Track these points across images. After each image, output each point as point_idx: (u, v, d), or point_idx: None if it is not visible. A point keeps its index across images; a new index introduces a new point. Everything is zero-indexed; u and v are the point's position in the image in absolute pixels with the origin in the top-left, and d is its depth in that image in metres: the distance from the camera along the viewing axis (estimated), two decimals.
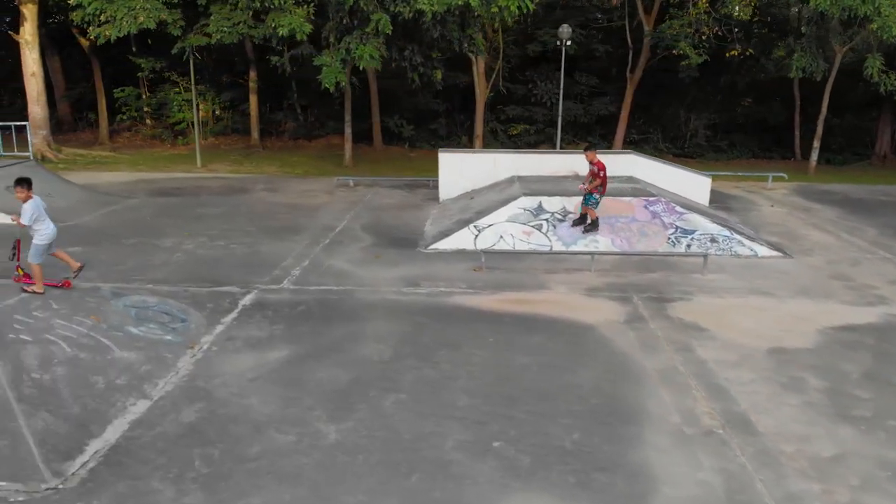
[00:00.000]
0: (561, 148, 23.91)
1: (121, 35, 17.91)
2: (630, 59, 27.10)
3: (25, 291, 8.08)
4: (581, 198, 12.63)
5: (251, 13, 17.71)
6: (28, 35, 22.43)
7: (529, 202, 13.20)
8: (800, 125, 28.58)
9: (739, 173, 21.72)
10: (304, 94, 29.76)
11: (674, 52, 23.98)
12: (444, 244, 12.38)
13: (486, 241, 12.41)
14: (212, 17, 18.36)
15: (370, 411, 6.49)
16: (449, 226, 13.41)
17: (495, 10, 16.67)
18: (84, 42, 27.49)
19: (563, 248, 12.28)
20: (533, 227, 12.70)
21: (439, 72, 19.98)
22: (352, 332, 8.38)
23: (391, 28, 16.13)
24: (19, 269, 8.94)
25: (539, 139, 29.37)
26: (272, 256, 11.70)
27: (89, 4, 18.05)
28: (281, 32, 15.72)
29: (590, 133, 29.63)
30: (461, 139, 29.38)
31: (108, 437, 5.95)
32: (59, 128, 30.45)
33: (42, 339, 6.94)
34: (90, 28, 18.62)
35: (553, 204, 13.19)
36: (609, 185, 14.97)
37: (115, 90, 28.37)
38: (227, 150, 27.03)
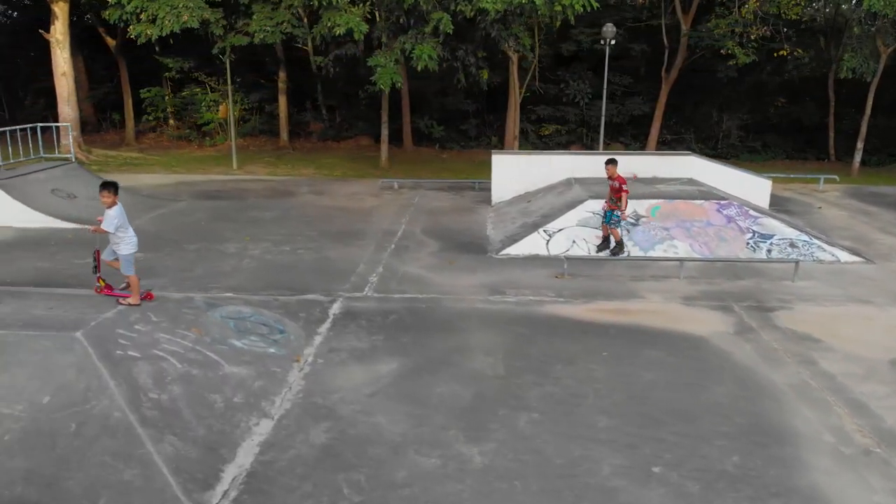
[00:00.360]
0: (600, 149, 23.51)
1: (162, 34, 17.53)
2: (666, 59, 26.72)
3: (121, 304, 7.71)
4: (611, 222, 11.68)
5: (294, 13, 17.31)
6: (59, 34, 22.07)
7: (598, 206, 12.82)
8: (833, 125, 28.23)
9: (791, 175, 21.32)
10: (330, 95, 29.42)
11: (722, 51, 23.56)
12: (516, 249, 12.01)
13: (559, 247, 12.03)
14: (254, 17, 17.98)
15: (508, 432, 6.11)
16: (515, 230, 13.03)
17: (558, 8, 16.29)
18: (111, 42, 27.17)
19: (642, 254, 11.91)
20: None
21: (486, 72, 19.57)
22: (455, 343, 8.01)
23: (452, 27, 15.74)
24: (101, 281, 8.56)
25: (570, 139, 29.03)
26: (343, 262, 11.34)
27: (129, 3, 17.67)
28: (337, 31, 15.33)
29: (621, 133, 29.29)
30: (490, 139, 29.02)
31: (241, 461, 5.58)
32: (83, 129, 30.08)
33: (150, 354, 6.56)
34: (131, 27, 18.22)
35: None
36: (673, 188, 14.64)
37: (141, 91, 27.99)
38: (257, 151, 26.66)
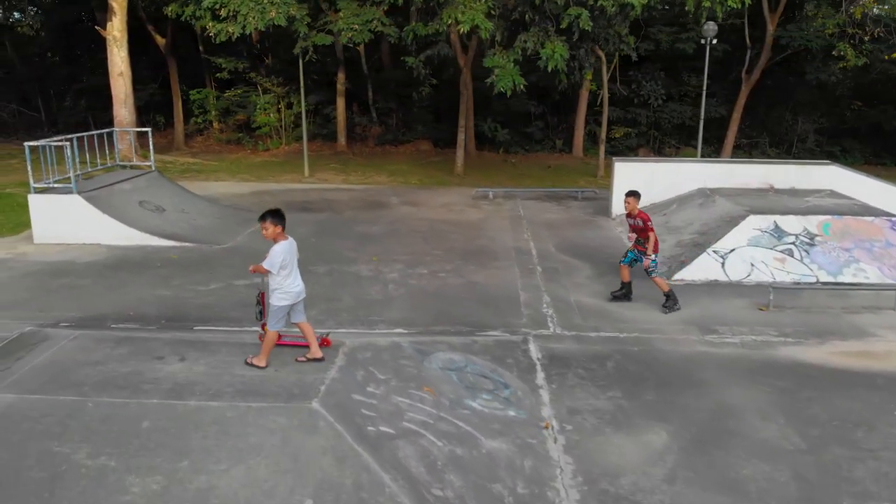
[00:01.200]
0: (691, 156, 22.13)
1: (245, 33, 16.16)
2: (747, 59, 25.32)
3: (248, 364, 6.30)
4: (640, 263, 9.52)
5: (384, 9, 15.94)
6: (116, 31, 20.70)
7: (762, 222, 11.45)
8: None
9: None
10: (384, 97, 28.06)
11: (833, 52, 22.18)
12: (689, 274, 10.64)
13: (736, 271, 10.67)
14: (340, 14, 16.60)
15: None
16: (670, 249, 11.66)
17: (707, 3, 14.91)
18: (160, 40, 25.82)
19: (830, 279, 10.53)
20: (782, 252, 10.96)
21: (589, 73, 18.20)
22: (714, 402, 6.64)
23: (591, 24, 14.36)
24: (265, 328, 7.21)
25: (640, 142, 27.66)
26: (497, 289, 10.00)
27: None
28: (462, 29, 13.90)
29: (693, 137, 27.87)
30: (555, 143, 27.65)
31: None
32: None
33: (403, 428, 5.23)
34: (210, 25, 16.85)
35: (791, 224, 11.44)
36: (827, 201, 13.27)
37: (191, 92, 26.63)
38: (316, 156, 25.25)
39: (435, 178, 21.11)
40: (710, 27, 19.53)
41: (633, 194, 9.61)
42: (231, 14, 16.16)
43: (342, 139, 26.04)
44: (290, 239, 6.66)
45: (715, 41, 19.92)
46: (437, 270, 10.90)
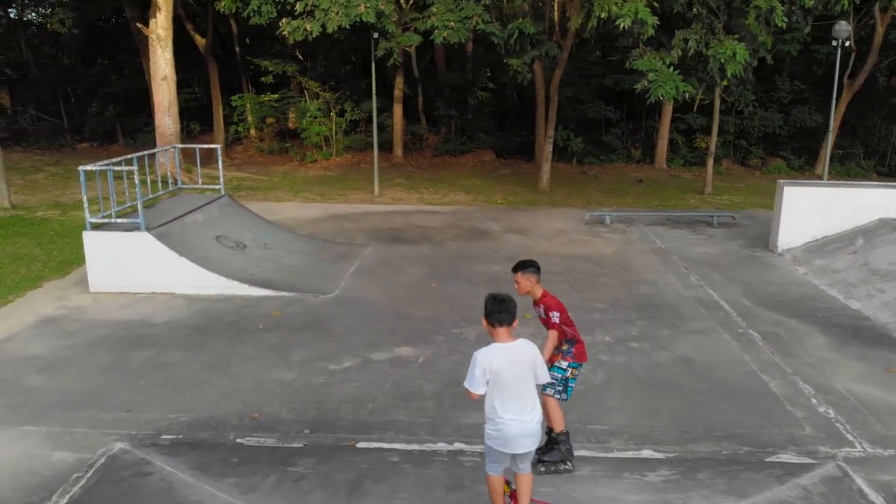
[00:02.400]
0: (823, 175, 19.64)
1: (328, 31, 13.68)
2: (851, 63, 22.79)
3: None
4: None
5: (486, 5, 13.46)
6: (161, 29, 18.29)
7: None
8: None
9: None
10: (448, 103, 25.57)
11: None
12: None
13: None
14: (433, 9, 14.11)
15: None
16: None
17: None
18: (200, 41, 23.37)
19: None
20: None
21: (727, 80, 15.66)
22: None
23: (785, 21, 11.86)
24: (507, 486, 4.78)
25: (723, 153, 25.11)
26: (726, 370, 7.52)
27: None
28: (622, 24, 11.39)
29: (780, 147, 25.37)
30: (631, 152, 25.14)
31: None
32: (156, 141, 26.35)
33: None
34: (283, 22, 14.37)
35: None
36: None
37: (232, 97, 24.16)
38: (370, 168, 22.77)
39: (518, 195, 18.62)
40: (843, 27, 17.00)
41: (527, 268, 5.46)
42: (307, 10, 13.67)
43: (398, 150, 23.60)
44: (520, 342, 4.42)
45: (848, 43, 17.36)
46: (623, 337, 8.40)
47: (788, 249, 12.20)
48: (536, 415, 4.25)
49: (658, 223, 14.92)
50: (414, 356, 7.70)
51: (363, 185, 19.41)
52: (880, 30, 21.65)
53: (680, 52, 12.55)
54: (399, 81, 22.76)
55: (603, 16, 11.68)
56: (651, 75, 12.47)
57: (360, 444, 5.88)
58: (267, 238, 11.85)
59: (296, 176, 21.24)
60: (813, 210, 12.18)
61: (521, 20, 13.99)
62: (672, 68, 12.66)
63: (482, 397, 4.31)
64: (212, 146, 13.10)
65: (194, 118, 26.77)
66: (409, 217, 15.31)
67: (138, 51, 25.72)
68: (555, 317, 5.49)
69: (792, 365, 7.63)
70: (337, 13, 13.41)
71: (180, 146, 12.80)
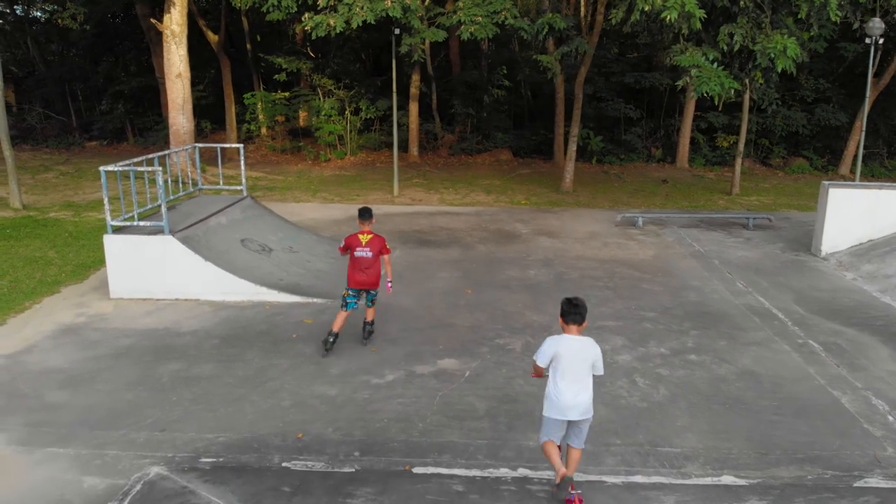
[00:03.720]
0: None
1: (353, 27, 13.19)
2: (877, 60, 22.23)
3: None
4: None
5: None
6: (176, 24, 17.84)
7: None
8: None
9: None
10: (465, 102, 25.07)
11: None
12: None
13: None
14: (460, 3, 13.62)
15: None
16: None
17: None
18: (213, 37, 22.90)
19: None
20: None
21: (760, 75, 15.14)
22: None
23: (839, 15, 11.36)
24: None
25: (746, 152, 24.53)
26: (793, 385, 7.08)
27: None
28: (668, 18, 10.82)
29: (803, 146, 24.85)
30: (650, 152, 24.64)
31: None
32: (167, 140, 25.89)
33: None
34: (305, 17, 13.89)
35: None
36: None
37: (244, 95, 23.70)
38: (386, 168, 22.34)
39: (541, 195, 18.14)
40: (876, 24, 16.49)
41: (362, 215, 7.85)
42: (331, 4, 13.18)
43: (414, 149, 23.13)
44: (587, 340, 5.06)
45: (882, 41, 16.85)
46: (679, 348, 7.93)
47: (833, 253, 11.73)
48: (588, 395, 4.92)
49: (692, 225, 14.44)
50: (460, 370, 7.24)
51: (381, 184, 18.96)
52: None
53: (725, 48, 12.03)
54: (416, 79, 22.30)
55: (647, 9, 11.17)
56: (694, 71, 11.96)
57: (417, 469, 5.43)
58: (293, 241, 11.41)
59: (311, 175, 20.78)
60: (858, 212, 11.70)
61: (550, 15, 13.50)
62: (716, 64, 12.15)
63: (542, 376, 5.06)
64: (234, 145, 12.64)
65: (205, 116, 26.32)
66: (433, 218, 14.85)
67: (148, 48, 25.30)
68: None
69: (861, 379, 7.16)
70: (362, 8, 12.93)
71: (201, 145, 12.29)
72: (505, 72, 25.30)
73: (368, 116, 23.48)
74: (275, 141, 25.13)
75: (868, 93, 17.47)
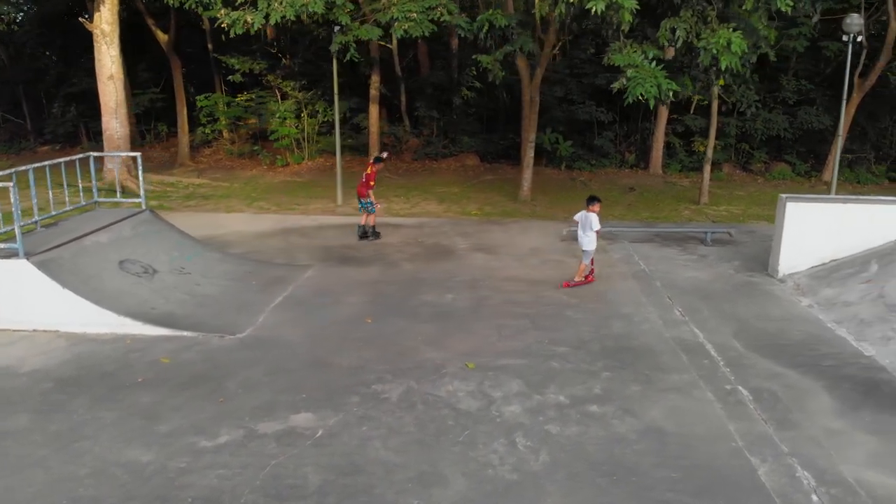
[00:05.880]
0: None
1: (272, 23, 12.10)
2: (862, 61, 21.06)
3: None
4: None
5: None
6: (105, 23, 16.76)
7: None
8: None
9: None
10: (421, 104, 23.95)
11: None
12: None
13: None
14: (394, 1, 12.50)
15: None
16: None
17: None
18: (162, 37, 21.82)
19: None
20: None
21: (723, 79, 13.97)
22: None
23: (791, 5, 10.18)
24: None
25: (724, 157, 23.42)
26: (705, 448, 5.94)
27: None
28: (594, 8, 9.54)
29: (785, 151, 23.64)
30: (624, 156, 23.47)
31: None
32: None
33: None
34: (222, 14, 12.81)
35: None
36: None
37: (198, 97, 22.61)
38: (345, 174, 21.13)
39: (497, 205, 17.03)
40: (854, 20, 15.32)
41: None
42: (250, 0, 12.09)
43: (375, 153, 21.92)
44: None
45: (860, 38, 15.67)
46: (583, 397, 6.78)
47: (791, 275, 10.56)
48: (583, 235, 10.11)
49: (645, 240, 13.29)
50: (312, 428, 6.12)
51: (329, 192, 17.84)
52: (894, 25, 19.92)
53: (666, 44, 10.85)
54: (375, 80, 21.15)
55: (573, 1, 9.99)
56: (630, 72, 10.77)
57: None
58: (188, 260, 10.31)
59: (261, 182, 19.70)
60: (820, 229, 10.53)
61: (491, 11, 12.36)
62: (655, 63, 10.97)
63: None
64: (133, 154, 11.54)
65: (162, 119, 25.31)
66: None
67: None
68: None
69: (789, 440, 6.01)
70: (281, 3, 11.83)
71: (95, 154, 11.17)
72: (475, 73, 24.14)
73: (326, 119, 22.36)
74: (234, 145, 24.06)
75: (846, 94, 16.29)
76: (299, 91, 22.48)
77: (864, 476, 5.49)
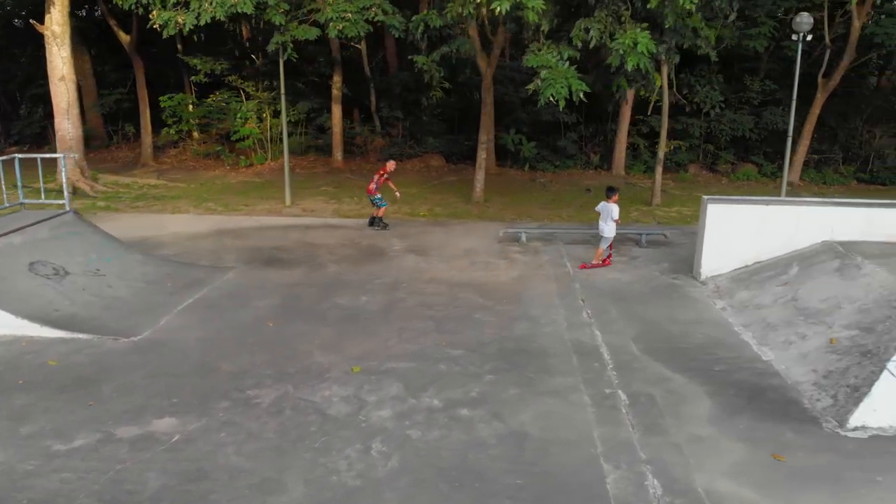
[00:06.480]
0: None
1: (200, 24, 12.06)
2: (826, 60, 21.00)
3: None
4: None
5: None
6: (56, 24, 16.72)
7: None
8: None
9: None
10: (389, 105, 23.91)
11: None
12: (873, 416, 6.41)
13: None
14: (328, 1, 12.45)
15: None
16: (822, 357, 7.45)
17: None
18: (124, 37, 21.80)
19: None
20: None
21: (659, 78, 13.96)
22: None
23: (694, 3, 10.06)
24: None
25: (690, 158, 23.37)
26: (562, 453, 5.86)
27: None
28: (498, 8, 9.50)
29: (752, 152, 23.57)
30: (590, 157, 23.42)
31: None
32: (89, 144, 24.78)
33: None
34: (154, 14, 12.78)
35: None
36: None
37: (160, 98, 22.57)
38: (306, 174, 21.23)
39: (449, 206, 16.98)
40: (804, 19, 15.27)
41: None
42: (182, 1, 12.05)
43: (338, 154, 21.96)
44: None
45: (810, 37, 15.60)
46: (458, 401, 6.72)
47: (714, 277, 10.50)
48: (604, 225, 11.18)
49: (582, 241, 13.23)
50: (170, 433, 6.06)
51: (283, 193, 17.77)
52: (857, 24, 19.87)
53: (580, 44, 10.75)
54: (337, 80, 21.11)
55: (481, 1, 9.90)
56: (543, 73, 10.69)
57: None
58: (108, 262, 10.25)
59: (218, 183, 19.67)
60: (743, 231, 10.47)
61: (426, 12, 12.30)
62: (569, 64, 10.88)
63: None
64: (55, 155, 11.49)
65: (130, 120, 25.26)
66: (308, 233, 13.69)
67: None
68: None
69: (651, 447, 5.95)
70: (211, 3, 11.79)
71: (21, 156, 11.11)
72: (441, 73, 24.08)
73: (290, 120, 22.30)
74: (203, 146, 24.02)
75: (795, 93, 16.24)
76: (263, 91, 22.44)
77: (718, 486, 5.42)
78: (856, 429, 6.28)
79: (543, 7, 9.93)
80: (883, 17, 20.40)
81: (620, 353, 7.90)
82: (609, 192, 11.31)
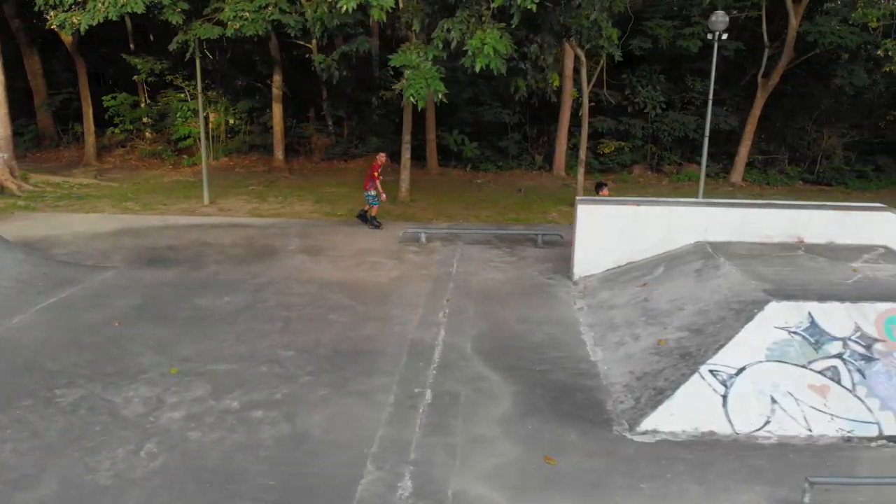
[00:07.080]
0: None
1: (93, 24, 12.06)
2: (764, 61, 20.96)
3: None
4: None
5: None
6: None
7: (791, 314, 7.17)
8: None
9: None
10: (338, 104, 23.87)
11: (879, 52, 17.78)
12: (669, 419, 6.38)
13: (747, 414, 6.42)
14: (227, 0, 12.45)
15: None
16: (645, 357, 7.44)
17: None
18: (66, 38, 21.75)
19: None
20: (825, 374, 6.69)
21: (556, 77, 13.94)
22: None
23: (535, 3, 10.01)
24: None
25: (634, 158, 23.33)
26: (332, 453, 5.84)
27: None
28: (344, 5, 9.49)
29: (697, 153, 23.48)
30: (534, 158, 23.37)
31: None
32: (38, 143, 24.85)
33: None
34: (51, 15, 12.77)
35: (835, 319, 7.15)
36: (886, 271, 8.96)
37: (103, 98, 22.55)
38: (244, 174, 21.23)
39: None
40: (719, 18, 15.22)
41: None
42: (78, 1, 12.05)
43: (279, 153, 21.92)
44: None
45: (725, 36, 15.56)
46: (258, 403, 6.70)
47: (586, 277, 10.47)
48: None
49: (481, 241, 13.19)
50: None
51: (211, 192, 17.75)
52: (794, 22, 19.81)
53: (441, 45, 10.71)
54: (277, 80, 21.08)
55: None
56: (408, 73, 10.66)
57: None
58: None
59: (153, 182, 19.65)
60: (616, 231, 10.43)
61: (321, 11, 12.25)
62: (430, 64, 10.84)
63: None
64: None
65: (78, 119, 25.20)
66: (208, 232, 13.65)
67: (18, 49, 24.22)
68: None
69: (426, 447, 5.93)
70: (104, 4, 11.79)
71: None
72: (391, 72, 24.06)
73: (228, 120, 22.32)
74: (154, 145, 24.01)
75: (711, 95, 16.22)
76: (204, 90, 22.39)
77: (471, 489, 5.40)
78: (645, 433, 6.26)
79: (392, 6, 9.91)
80: (817, 16, 20.31)
81: (451, 353, 7.88)
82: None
